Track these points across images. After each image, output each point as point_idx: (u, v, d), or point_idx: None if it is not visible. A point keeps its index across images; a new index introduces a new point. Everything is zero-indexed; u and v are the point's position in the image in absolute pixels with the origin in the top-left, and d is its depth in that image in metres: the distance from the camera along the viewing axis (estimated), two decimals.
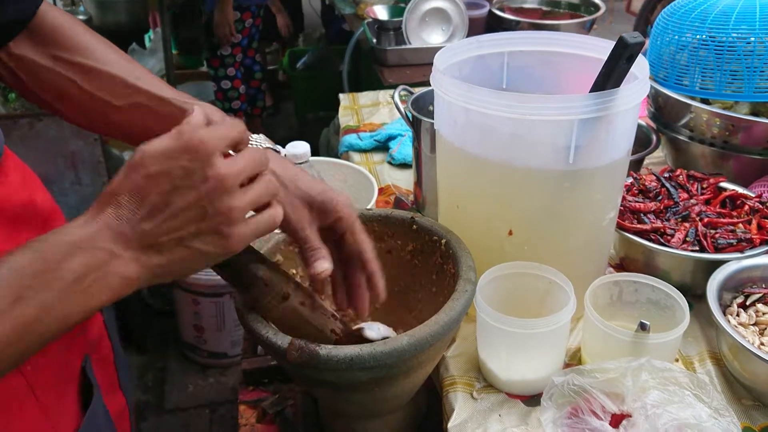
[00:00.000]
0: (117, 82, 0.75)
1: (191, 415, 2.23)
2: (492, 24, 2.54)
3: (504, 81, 1.06)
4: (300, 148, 1.06)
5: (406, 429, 0.99)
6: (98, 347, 0.85)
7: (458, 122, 0.88)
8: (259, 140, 0.80)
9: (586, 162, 0.84)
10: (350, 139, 1.55)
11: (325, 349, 0.77)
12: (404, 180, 1.40)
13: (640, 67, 0.87)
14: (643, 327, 0.81)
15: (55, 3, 3.12)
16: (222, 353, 2.35)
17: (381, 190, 1.38)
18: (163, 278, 0.57)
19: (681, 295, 0.87)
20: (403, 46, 2.38)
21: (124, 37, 3.43)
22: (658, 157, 1.41)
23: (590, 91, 0.82)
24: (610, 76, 0.79)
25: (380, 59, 2.42)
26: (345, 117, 1.71)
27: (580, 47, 0.99)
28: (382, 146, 1.52)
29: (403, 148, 1.46)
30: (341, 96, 1.81)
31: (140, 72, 0.77)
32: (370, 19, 2.57)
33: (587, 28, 2.45)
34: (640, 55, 0.87)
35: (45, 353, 0.68)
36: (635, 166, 1.28)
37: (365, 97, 1.81)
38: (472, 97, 0.83)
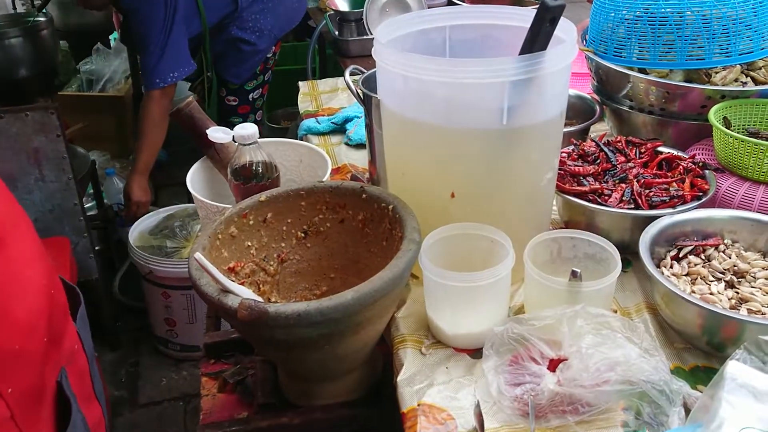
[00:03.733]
0: None
1: (165, 408, 2.24)
2: None
3: (446, 54, 1.10)
4: (248, 129, 1.09)
5: (362, 390, 1.02)
6: (74, 359, 0.82)
7: (397, 90, 0.92)
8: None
9: (519, 122, 0.89)
10: (308, 122, 1.58)
11: (274, 307, 0.80)
12: (360, 159, 1.44)
13: (567, 31, 0.92)
14: (574, 275, 0.86)
15: (14, 5, 3.11)
16: (194, 346, 2.36)
17: (338, 170, 1.42)
18: None
19: (614, 247, 0.92)
20: (365, 37, 2.42)
21: (89, 37, 3.42)
22: (605, 130, 1.47)
23: (519, 54, 0.86)
24: (536, 39, 0.83)
25: (343, 50, 2.45)
26: (304, 103, 1.74)
27: (519, 19, 1.03)
28: (340, 128, 1.56)
29: (360, 129, 1.49)
30: (301, 84, 1.85)
31: None
32: (332, 12, 2.60)
33: None
34: (566, 19, 0.92)
35: (24, 373, 0.66)
36: (581, 135, 1.33)
37: (324, 84, 1.85)
38: (408, 63, 0.87)
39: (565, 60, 0.88)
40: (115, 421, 2.17)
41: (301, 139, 1.59)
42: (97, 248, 2.47)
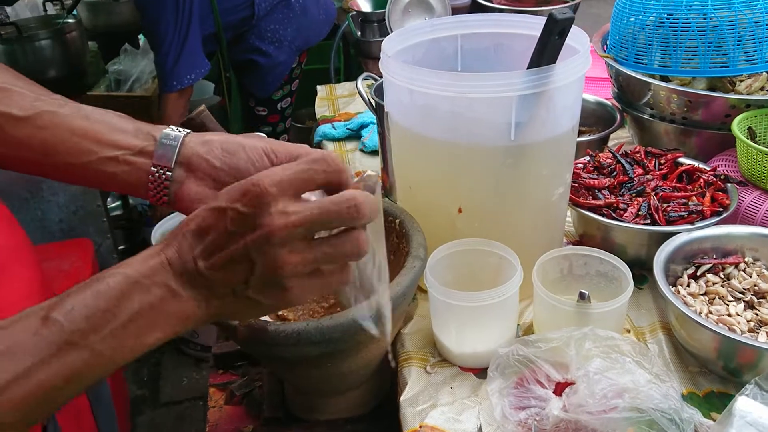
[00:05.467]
0: (19, 94, 0.65)
1: (186, 407, 2.27)
2: (475, 13, 2.54)
3: (459, 64, 1.07)
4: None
5: (370, 405, 1.01)
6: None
7: (404, 103, 0.90)
8: None
9: (528, 138, 0.86)
10: (324, 128, 1.57)
11: (273, 326, 0.79)
12: (375, 166, 1.42)
13: (581, 41, 0.89)
14: (582, 296, 0.83)
15: (44, 7, 3.17)
16: None
17: None
18: (224, 319, 0.56)
19: (626, 266, 0.89)
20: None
21: (117, 38, 3.46)
22: (626, 137, 1.43)
23: (527, 68, 0.84)
24: (544, 52, 0.80)
25: (365, 51, 2.42)
26: (321, 108, 1.73)
27: (531, 28, 1.01)
28: (355, 135, 1.54)
29: (375, 136, 1.48)
30: (318, 87, 1.84)
31: (43, 89, 0.68)
32: (354, 12, 2.58)
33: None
34: (579, 29, 0.89)
35: None
36: (600, 144, 1.30)
37: (342, 87, 1.84)
38: (414, 77, 0.85)
39: (577, 72, 0.85)
40: (136, 419, 2.20)
41: (318, 145, 1.59)
42: (122, 247, 2.51)
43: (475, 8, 2.54)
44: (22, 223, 0.76)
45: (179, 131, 0.66)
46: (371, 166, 1.43)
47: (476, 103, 0.83)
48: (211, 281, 0.51)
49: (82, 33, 2.98)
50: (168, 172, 0.64)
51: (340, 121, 1.61)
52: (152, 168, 0.64)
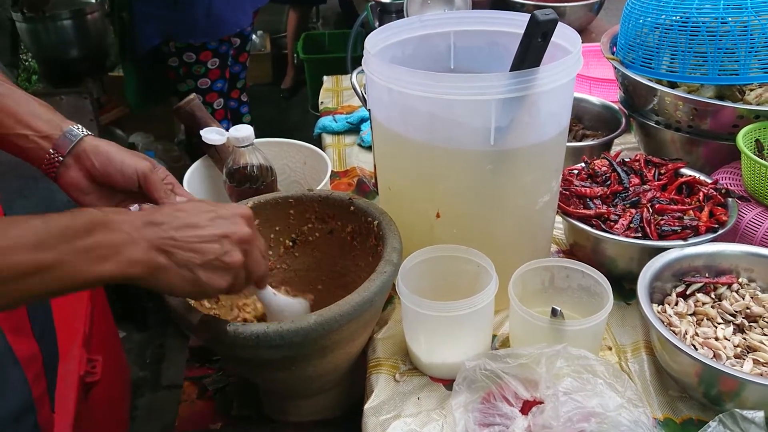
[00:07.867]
0: None
1: None
2: (497, 6, 2.49)
3: (451, 61, 1.04)
4: (243, 131, 1.06)
5: (342, 408, 0.99)
6: None
7: (384, 101, 0.87)
8: None
9: (509, 143, 0.82)
10: (325, 121, 1.54)
11: (233, 326, 0.77)
12: (371, 162, 1.39)
13: (573, 42, 0.85)
14: (554, 313, 0.79)
15: None
16: None
17: (346, 172, 1.38)
18: (162, 283, 0.64)
19: (607, 281, 0.85)
20: None
21: None
22: (632, 143, 1.37)
23: (510, 71, 0.80)
24: (526, 56, 0.76)
25: None
26: (325, 99, 1.70)
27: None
28: (355, 128, 1.51)
29: None
30: (325, 78, 1.81)
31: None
32: (373, 2, 2.54)
33: (595, 11, 2.39)
34: (571, 29, 0.85)
35: None
36: (603, 149, 1.25)
37: (348, 79, 1.80)
38: (392, 76, 0.82)
39: (564, 77, 0.80)
40: (136, 401, 2.22)
41: (318, 137, 1.56)
42: None
43: (497, 3, 2.48)
44: (31, 202, 0.84)
45: (82, 131, 0.80)
46: (367, 162, 1.40)
47: (454, 105, 0.80)
48: (174, 248, 0.63)
49: (103, 14, 2.99)
50: (60, 158, 0.78)
51: (341, 113, 1.58)
52: (50, 150, 0.78)
